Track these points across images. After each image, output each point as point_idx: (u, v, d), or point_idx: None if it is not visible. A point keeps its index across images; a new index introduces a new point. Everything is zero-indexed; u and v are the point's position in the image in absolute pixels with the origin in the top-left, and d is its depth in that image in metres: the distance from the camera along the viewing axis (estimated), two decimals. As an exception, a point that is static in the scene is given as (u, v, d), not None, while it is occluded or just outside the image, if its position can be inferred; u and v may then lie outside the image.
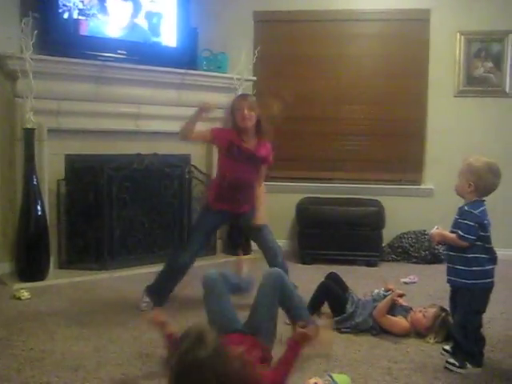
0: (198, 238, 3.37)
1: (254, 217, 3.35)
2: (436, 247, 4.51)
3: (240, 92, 4.60)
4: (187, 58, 4.53)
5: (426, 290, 3.74)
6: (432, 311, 2.89)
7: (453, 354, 2.58)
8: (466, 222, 2.46)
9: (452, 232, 2.52)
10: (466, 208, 2.50)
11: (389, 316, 2.91)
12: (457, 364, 2.50)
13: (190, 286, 3.68)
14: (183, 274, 3.33)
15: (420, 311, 2.92)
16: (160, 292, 3.33)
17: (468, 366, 2.49)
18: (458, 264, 2.50)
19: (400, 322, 2.92)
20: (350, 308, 2.99)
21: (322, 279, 3.25)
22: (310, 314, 2.87)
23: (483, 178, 2.47)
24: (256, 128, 3.24)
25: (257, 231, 3.38)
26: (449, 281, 2.57)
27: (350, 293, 3.09)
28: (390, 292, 3.01)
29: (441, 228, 2.58)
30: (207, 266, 3.47)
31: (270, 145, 3.37)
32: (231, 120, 3.25)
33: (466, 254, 2.47)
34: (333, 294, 3.10)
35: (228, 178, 3.26)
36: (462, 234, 2.46)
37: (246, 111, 3.15)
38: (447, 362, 2.54)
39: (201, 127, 3.25)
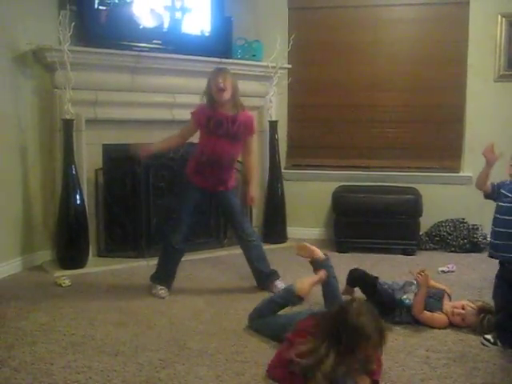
0: (183, 217, 3.38)
1: (244, 192, 3.37)
2: (475, 236, 4.42)
3: (275, 80, 4.59)
4: (222, 46, 4.53)
5: (464, 279, 3.68)
6: (471, 315, 2.77)
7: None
8: None
9: None
10: None
11: (427, 312, 2.84)
12: (491, 340, 2.53)
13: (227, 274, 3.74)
14: (180, 255, 3.39)
15: (459, 314, 2.81)
16: (163, 276, 3.38)
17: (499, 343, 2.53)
18: None
19: (439, 317, 2.84)
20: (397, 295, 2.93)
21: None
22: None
23: None
24: (233, 101, 3.21)
25: (234, 210, 3.36)
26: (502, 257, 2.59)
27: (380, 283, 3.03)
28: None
29: None
30: (242, 255, 3.47)
31: (249, 113, 3.36)
32: (208, 94, 3.24)
33: None
34: (363, 279, 3.08)
35: (207, 154, 3.24)
36: None
37: (220, 81, 3.13)
38: (484, 338, 2.58)
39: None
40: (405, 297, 2.91)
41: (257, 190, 3.42)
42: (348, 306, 2.15)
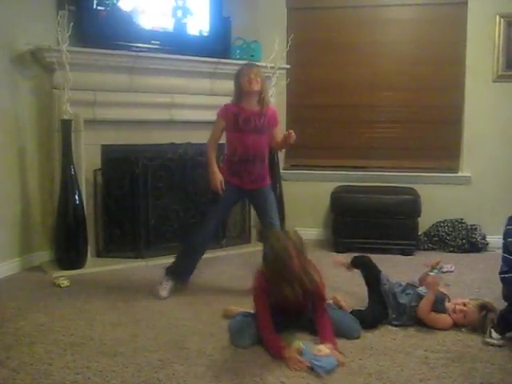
0: (213, 216, 3.39)
1: (281, 141, 3.34)
2: (474, 236, 4.43)
3: (274, 81, 4.59)
4: (220, 47, 4.53)
5: (463, 279, 3.68)
6: (473, 312, 2.78)
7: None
8: None
9: None
10: None
11: (433, 313, 2.83)
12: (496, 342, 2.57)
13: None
14: (200, 254, 3.39)
15: (461, 311, 2.81)
16: (176, 270, 3.38)
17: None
18: None
19: (444, 318, 2.83)
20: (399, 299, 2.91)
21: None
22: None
23: None
24: (260, 97, 3.28)
25: (269, 207, 3.36)
26: None
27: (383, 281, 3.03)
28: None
29: None
30: (241, 255, 3.47)
31: (273, 107, 3.44)
32: (236, 86, 3.29)
33: None
34: (368, 266, 3.07)
35: (239, 152, 3.28)
36: None
37: (252, 75, 3.21)
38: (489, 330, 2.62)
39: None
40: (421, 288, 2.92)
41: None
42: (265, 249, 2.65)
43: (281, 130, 3.48)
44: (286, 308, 2.63)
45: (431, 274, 2.97)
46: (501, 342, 2.61)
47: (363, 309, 2.92)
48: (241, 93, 3.27)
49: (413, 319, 2.85)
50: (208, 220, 3.39)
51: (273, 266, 2.56)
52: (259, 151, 3.31)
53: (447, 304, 2.89)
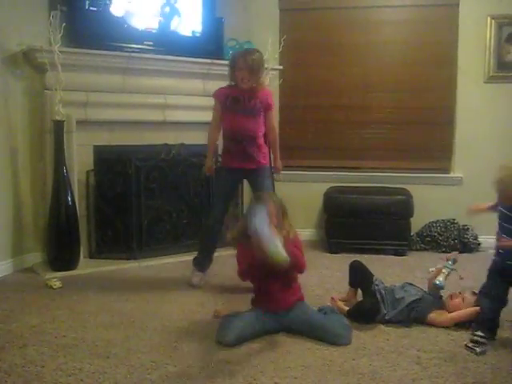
0: (217, 200, 3.55)
1: (274, 165, 3.56)
2: (466, 236, 4.46)
3: (266, 81, 4.58)
4: (213, 47, 4.53)
5: (455, 279, 3.69)
6: (469, 295, 2.88)
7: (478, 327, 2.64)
8: None
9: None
10: None
11: (435, 314, 2.89)
12: (483, 335, 2.56)
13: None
14: (216, 237, 3.52)
15: (457, 295, 2.93)
16: (201, 259, 3.59)
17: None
18: None
19: (446, 317, 2.88)
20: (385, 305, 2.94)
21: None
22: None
23: None
24: (253, 79, 3.33)
25: (260, 189, 3.41)
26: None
27: (375, 282, 3.05)
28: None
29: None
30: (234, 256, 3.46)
31: (268, 89, 3.52)
32: (230, 74, 3.38)
33: None
34: (361, 271, 3.12)
35: (228, 130, 3.41)
36: None
37: (247, 74, 3.27)
38: (474, 335, 2.59)
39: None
40: (440, 279, 2.94)
41: (279, 162, 3.60)
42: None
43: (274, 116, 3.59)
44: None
45: (446, 266, 2.99)
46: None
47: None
48: (234, 81, 3.36)
49: (409, 315, 2.88)
50: (213, 208, 3.55)
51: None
52: (247, 131, 3.35)
53: (444, 299, 2.96)
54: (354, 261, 3.22)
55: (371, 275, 3.09)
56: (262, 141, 3.44)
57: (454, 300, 2.92)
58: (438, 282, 2.93)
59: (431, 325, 2.87)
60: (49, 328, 2.82)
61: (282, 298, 2.75)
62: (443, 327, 2.84)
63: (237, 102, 3.33)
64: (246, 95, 3.33)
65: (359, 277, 3.11)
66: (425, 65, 4.77)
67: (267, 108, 3.42)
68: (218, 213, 3.48)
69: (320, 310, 2.87)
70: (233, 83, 3.38)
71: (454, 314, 2.86)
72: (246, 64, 3.27)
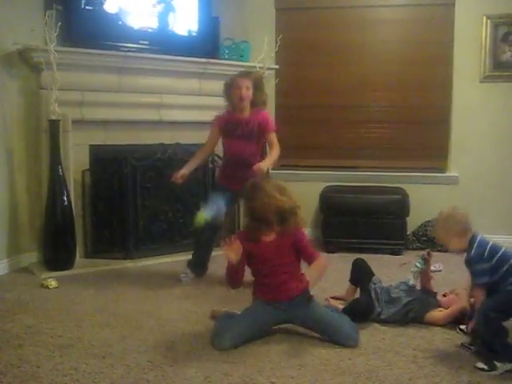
0: (212, 201, 3.51)
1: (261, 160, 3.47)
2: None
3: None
4: (209, 47, 4.53)
5: (451, 278, 3.70)
6: (463, 290, 2.86)
7: (477, 354, 2.48)
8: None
9: None
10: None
11: (432, 314, 2.90)
12: (486, 368, 2.34)
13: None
14: (210, 246, 3.61)
15: (451, 292, 2.97)
16: (193, 262, 3.66)
17: (498, 364, 2.32)
18: None
19: (444, 315, 2.88)
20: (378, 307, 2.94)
21: (346, 267, 3.24)
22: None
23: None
24: (251, 101, 3.41)
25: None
26: None
27: (373, 281, 3.06)
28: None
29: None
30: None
31: (265, 112, 3.54)
32: (228, 96, 3.44)
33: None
34: (363, 270, 3.14)
35: (228, 155, 3.53)
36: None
37: (243, 90, 3.33)
38: (476, 367, 2.37)
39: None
40: (409, 278, 2.97)
41: (267, 164, 3.48)
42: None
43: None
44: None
45: (417, 264, 3.00)
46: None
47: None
48: (232, 103, 3.42)
49: (406, 316, 2.88)
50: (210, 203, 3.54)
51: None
52: (247, 156, 3.43)
53: (438, 297, 2.98)
54: (358, 258, 3.23)
55: (372, 274, 3.09)
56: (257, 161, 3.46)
57: (449, 296, 2.95)
58: (410, 282, 2.96)
59: (428, 324, 2.87)
60: (45, 328, 2.82)
61: (285, 288, 2.68)
62: (439, 326, 2.85)
63: (236, 128, 3.43)
64: (244, 120, 3.42)
65: (360, 275, 3.12)
66: (421, 64, 4.77)
67: (267, 130, 3.47)
68: (214, 226, 3.49)
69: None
70: (230, 108, 3.46)
71: (448, 311, 2.87)
72: (243, 81, 3.35)
